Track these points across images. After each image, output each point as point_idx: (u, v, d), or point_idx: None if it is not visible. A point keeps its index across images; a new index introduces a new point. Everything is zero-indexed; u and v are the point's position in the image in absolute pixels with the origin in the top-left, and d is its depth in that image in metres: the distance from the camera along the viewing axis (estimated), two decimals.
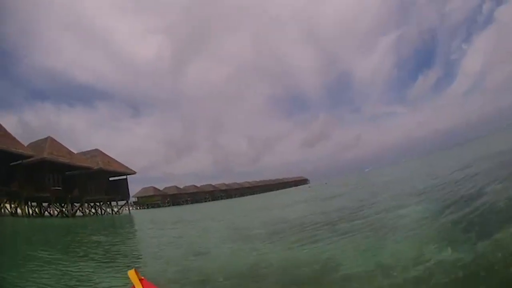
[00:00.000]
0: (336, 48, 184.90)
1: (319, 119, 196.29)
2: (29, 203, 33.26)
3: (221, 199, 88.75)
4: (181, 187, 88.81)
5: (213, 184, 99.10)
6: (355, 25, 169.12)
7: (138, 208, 76.15)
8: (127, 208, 42.74)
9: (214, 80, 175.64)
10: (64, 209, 34.31)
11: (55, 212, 34.06)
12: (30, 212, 33.94)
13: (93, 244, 13.25)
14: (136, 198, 79.69)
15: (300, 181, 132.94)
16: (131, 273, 3.62)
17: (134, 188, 78.21)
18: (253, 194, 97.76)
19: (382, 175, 38.98)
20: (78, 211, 35.82)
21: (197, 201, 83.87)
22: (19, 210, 29.35)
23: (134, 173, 41.67)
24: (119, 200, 41.00)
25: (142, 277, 3.80)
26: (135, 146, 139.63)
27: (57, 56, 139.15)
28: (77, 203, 35.58)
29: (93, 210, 39.83)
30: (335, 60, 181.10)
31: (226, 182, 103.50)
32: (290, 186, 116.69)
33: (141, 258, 10.30)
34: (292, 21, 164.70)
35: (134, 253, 11.48)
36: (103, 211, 39.69)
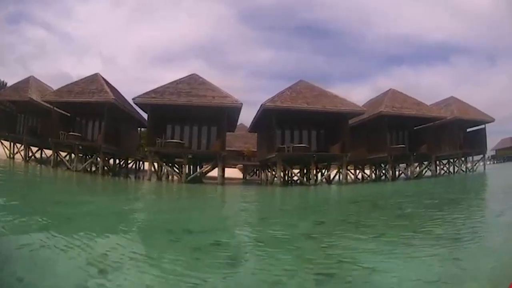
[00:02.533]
0: None
1: None
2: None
3: None
4: None
5: None
6: None
7: (495, 162, 59.64)
8: (482, 164, 28.41)
9: None
10: (407, 170, 25.52)
11: (397, 173, 26.07)
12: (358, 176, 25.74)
13: None
14: (495, 151, 62.78)
15: None
16: None
17: (493, 141, 61.48)
18: None
19: None
20: (425, 171, 26.22)
21: None
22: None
23: (492, 120, 26.73)
24: (475, 155, 27.42)
25: None
26: (495, 98, 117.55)
27: (405, 22, 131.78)
28: (425, 161, 24.09)
29: (444, 169, 28.09)
30: None
31: None
32: None
33: None
34: None
35: None
36: (455, 169, 27.28)
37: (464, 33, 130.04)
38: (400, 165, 26.03)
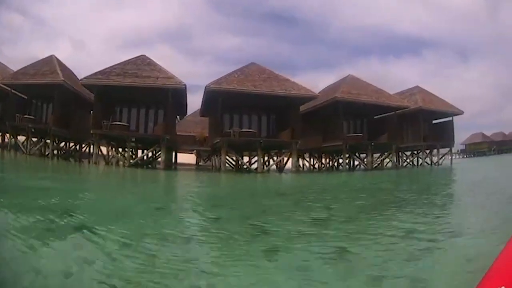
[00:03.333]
0: None
1: None
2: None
3: None
4: (507, 133, 59.59)
5: None
6: None
7: (465, 156, 56.14)
8: (449, 157, 25.73)
9: None
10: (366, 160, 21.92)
11: (356, 163, 22.15)
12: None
13: None
14: (464, 146, 59.44)
15: None
16: None
17: (463, 135, 58.08)
18: None
19: None
20: (386, 162, 23.66)
21: None
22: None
23: (461, 113, 24.20)
24: (441, 148, 24.73)
25: None
26: (466, 93, 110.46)
27: (376, 13, 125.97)
28: (385, 151, 22.46)
29: (408, 161, 25.59)
30: None
31: None
32: None
33: None
34: None
35: None
36: (419, 162, 24.77)
37: (437, 27, 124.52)
38: (362, 155, 23.51)
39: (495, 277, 0.89)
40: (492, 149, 53.46)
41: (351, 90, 21.15)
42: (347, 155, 21.50)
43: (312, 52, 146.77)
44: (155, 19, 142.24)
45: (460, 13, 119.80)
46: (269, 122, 22.17)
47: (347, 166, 21.73)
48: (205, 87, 19.44)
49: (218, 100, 19.63)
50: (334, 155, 24.46)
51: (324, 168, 24.16)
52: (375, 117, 23.55)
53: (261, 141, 19.61)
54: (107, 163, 21.37)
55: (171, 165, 22.79)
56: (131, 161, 20.40)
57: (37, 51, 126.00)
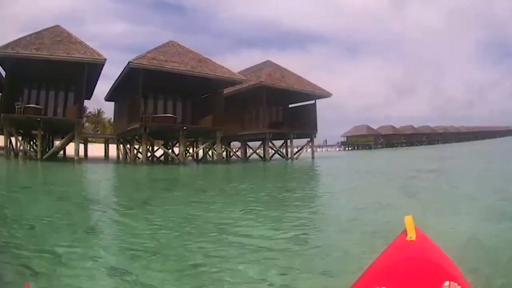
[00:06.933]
0: None
1: None
2: None
3: (437, 143, 48.90)
4: (397, 127, 51.80)
5: (430, 126, 56.88)
6: None
7: (347, 149, 46.80)
8: (309, 149, 18.51)
9: (432, 24, 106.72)
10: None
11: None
12: None
13: None
14: (345, 138, 49.89)
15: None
16: (408, 219, 0.89)
17: (347, 128, 49.23)
18: (469, 140, 52.89)
19: None
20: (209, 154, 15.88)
21: (412, 144, 48.12)
22: None
23: (329, 95, 17.03)
24: (298, 137, 17.57)
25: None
26: (354, 88, 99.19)
27: (265, 6, 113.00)
28: (209, 139, 16.28)
29: (244, 152, 18.68)
30: None
31: (444, 125, 59.04)
32: (504, 136, 60.71)
33: None
34: None
35: None
36: (263, 155, 17.65)
37: (327, 24, 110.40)
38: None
39: (374, 277, 0.74)
40: (380, 142, 43.67)
41: (158, 56, 14.54)
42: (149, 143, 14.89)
43: (196, 40, 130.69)
44: (52, 2, 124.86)
45: (356, 12, 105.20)
46: (66, 97, 16.13)
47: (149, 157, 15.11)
48: None
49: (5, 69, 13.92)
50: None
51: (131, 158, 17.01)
52: (203, 96, 16.76)
53: (38, 119, 13.66)
54: None
55: None
56: None
57: None
